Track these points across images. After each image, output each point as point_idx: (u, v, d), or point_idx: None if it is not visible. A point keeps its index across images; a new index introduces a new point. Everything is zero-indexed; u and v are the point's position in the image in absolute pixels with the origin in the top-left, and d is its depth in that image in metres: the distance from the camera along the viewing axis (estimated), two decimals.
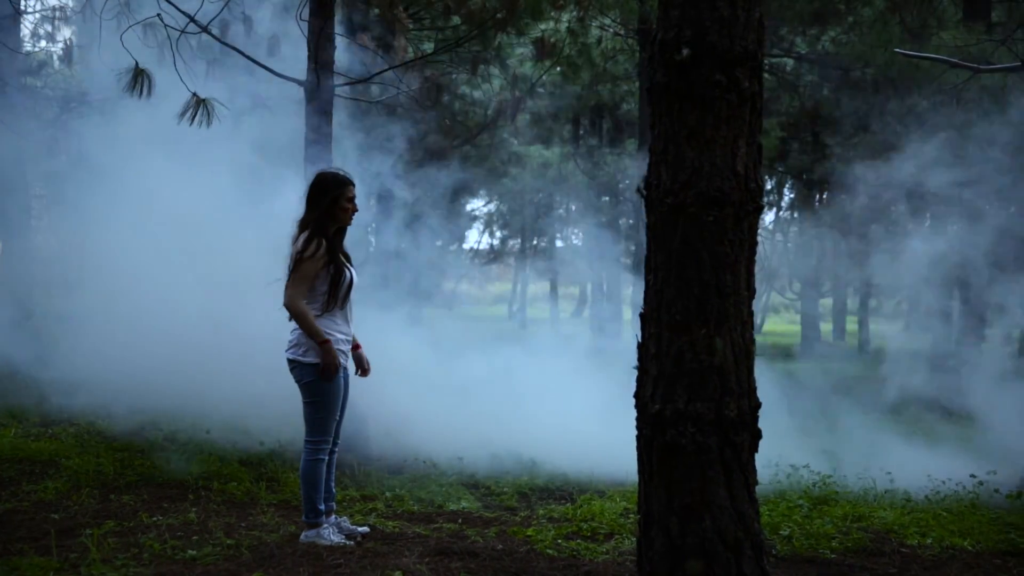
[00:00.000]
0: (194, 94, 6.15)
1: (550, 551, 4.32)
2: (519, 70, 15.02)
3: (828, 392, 9.44)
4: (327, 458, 4.40)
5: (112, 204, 7.85)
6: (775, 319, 34.59)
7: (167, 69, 6.11)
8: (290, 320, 4.38)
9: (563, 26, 14.57)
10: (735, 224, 3.16)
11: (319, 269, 4.25)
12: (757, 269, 3.31)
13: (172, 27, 6.05)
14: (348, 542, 4.33)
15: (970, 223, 8.40)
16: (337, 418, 4.43)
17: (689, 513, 3.14)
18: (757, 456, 3.26)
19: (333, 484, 4.54)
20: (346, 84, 7.73)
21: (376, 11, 11.02)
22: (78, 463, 5.97)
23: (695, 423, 3.12)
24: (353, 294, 4.44)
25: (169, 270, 7.45)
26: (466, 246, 32.58)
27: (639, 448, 3.30)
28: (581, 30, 15.32)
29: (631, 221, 19.16)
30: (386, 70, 9.72)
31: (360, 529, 4.54)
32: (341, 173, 4.47)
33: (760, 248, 3.31)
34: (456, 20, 11.35)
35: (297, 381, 4.35)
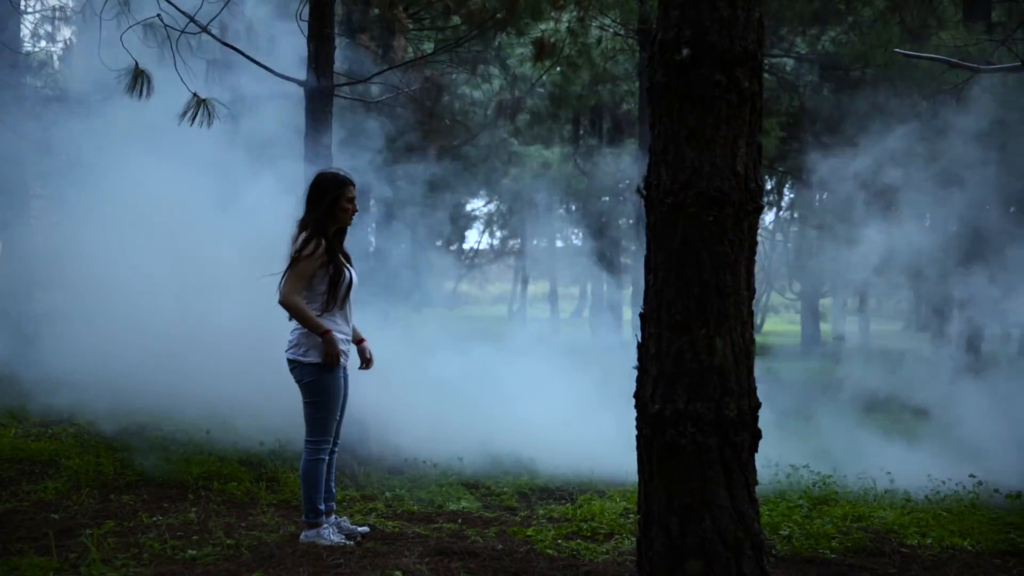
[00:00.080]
0: (195, 94, 6.15)
1: (550, 551, 4.32)
2: (519, 70, 15.02)
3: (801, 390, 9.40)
4: (327, 458, 4.40)
5: (109, 204, 7.85)
6: (775, 319, 34.61)
7: (157, 67, 6.12)
8: (290, 320, 4.38)
9: (563, 26, 14.57)
10: (735, 224, 3.16)
11: (317, 268, 4.25)
12: (757, 269, 3.31)
13: (172, 27, 6.05)
14: (348, 542, 4.33)
15: (965, 220, 8.40)
16: (337, 418, 4.43)
17: (689, 513, 3.14)
18: (757, 456, 3.26)
19: (333, 484, 4.54)
20: (346, 84, 7.73)
21: (376, 11, 11.02)
22: (78, 463, 5.97)
23: (695, 423, 3.12)
24: (353, 294, 4.45)
25: (165, 269, 7.45)
26: (466, 246, 32.62)
27: (639, 448, 3.30)
28: (581, 30, 15.32)
29: (631, 221, 19.15)
30: (386, 70, 9.72)
31: (360, 529, 4.54)
32: (341, 173, 4.47)
33: (760, 248, 3.31)
34: (456, 20, 11.35)
35: (297, 381, 4.35)
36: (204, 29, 6.29)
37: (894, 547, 4.58)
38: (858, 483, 5.89)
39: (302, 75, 6.92)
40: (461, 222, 27.61)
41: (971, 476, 5.80)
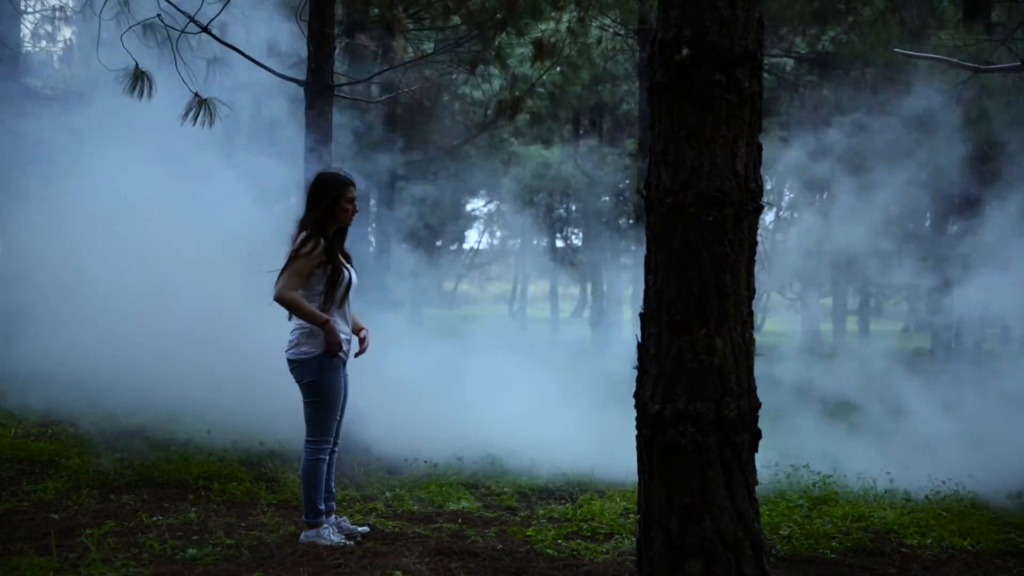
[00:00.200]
0: (196, 94, 6.16)
1: (550, 551, 4.32)
2: (519, 70, 15.01)
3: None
4: (327, 458, 4.40)
5: (107, 203, 7.85)
6: (775, 319, 34.59)
7: (155, 67, 6.12)
8: (289, 319, 4.38)
9: (563, 26, 14.56)
10: (735, 224, 3.16)
11: (315, 268, 4.25)
12: (758, 269, 3.31)
13: (172, 27, 6.05)
14: (348, 542, 4.33)
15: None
16: (337, 418, 4.43)
17: (689, 513, 3.14)
18: (756, 456, 3.26)
19: (333, 484, 4.54)
20: (346, 84, 7.74)
21: (376, 11, 11.02)
22: (78, 463, 5.97)
23: (695, 423, 3.12)
24: (353, 293, 4.45)
25: (162, 267, 7.46)
26: (466, 246, 32.63)
27: (639, 448, 3.30)
28: (581, 30, 15.31)
29: (631, 221, 19.16)
30: (386, 70, 9.72)
31: (360, 529, 4.54)
32: (342, 173, 4.47)
33: (760, 248, 3.31)
34: (456, 20, 11.34)
35: (298, 381, 4.35)
36: (204, 29, 6.29)
37: (894, 547, 4.58)
38: (858, 483, 5.89)
39: (302, 75, 6.92)
40: (461, 222, 27.62)
41: (970, 476, 5.80)
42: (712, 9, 3.12)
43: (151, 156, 7.85)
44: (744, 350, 3.20)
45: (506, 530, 4.72)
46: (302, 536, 4.36)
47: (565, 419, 7.43)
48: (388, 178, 13.68)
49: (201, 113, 6.19)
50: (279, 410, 6.00)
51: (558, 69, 16.33)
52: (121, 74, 6.16)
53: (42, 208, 8.07)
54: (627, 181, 20.95)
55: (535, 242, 28.94)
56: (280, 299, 4.24)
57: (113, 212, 7.77)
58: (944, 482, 5.83)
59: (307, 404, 4.34)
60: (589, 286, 28.09)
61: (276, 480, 5.78)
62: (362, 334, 4.56)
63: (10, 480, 5.64)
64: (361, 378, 4.73)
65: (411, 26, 12.42)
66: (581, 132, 22.96)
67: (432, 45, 12.94)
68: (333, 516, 4.50)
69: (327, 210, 4.32)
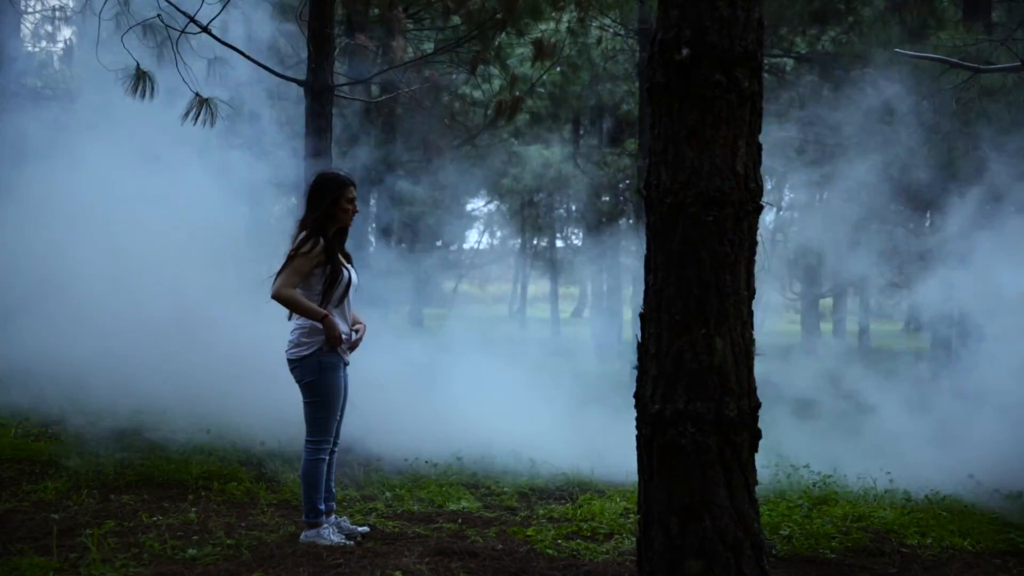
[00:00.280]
0: (196, 94, 6.16)
1: (550, 551, 4.32)
2: (519, 70, 15.02)
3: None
4: (327, 458, 4.40)
5: (102, 201, 7.85)
6: (775, 319, 34.58)
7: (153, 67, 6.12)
8: (289, 319, 4.39)
9: (563, 26, 14.56)
10: (735, 224, 3.16)
11: (313, 267, 4.25)
12: (758, 269, 3.31)
13: (172, 27, 6.06)
14: (348, 542, 4.33)
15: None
16: (337, 418, 4.43)
17: (689, 513, 3.14)
18: (756, 456, 3.26)
19: (333, 484, 4.54)
20: (346, 84, 7.74)
21: (376, 11, 11.03)
22: (78, 463, 5.97)
23: (695, 423, 3.12)
24: (352, 293, 4.45)
25: (161, 267, 7.46)
26: (466, 246, 32.63)
27: (639, 448, 3.30)
28: (581, 30, 15.31)
29: (631, 221, 19.16)
30: (386, 70, 9.73)
31: (360, 529, 4.54)
32: (342, 174, 4.48)
33: (760, 248, 3.31)
34: (456, 20, 11.35)
35: (298, 381, 4.35)
36: (204, 29, 6.30)
37: (894, 547, 4.58)
38: (858, 483, 5.89)
39: (302, 75, 6.93)
40: (461, 222, 27.61)
41: (970, 476, 5.80)
42: (712, 9, 3.12)
43: (141, 153, 7.85)
44: (744, 350, 3.20)
45: (506, 530, 4.72)
46: (302, 536, 4.36)
47: (565, 419, 7.43)
48: (387, 178, 13.68)
49: (202, 112, 6.19)
50: (279, 410, 6.00)
51: (558, 69, 16.32)
52: (121, 74, 6.16)
53: (32, 205, 8.02)
54: (627, 181, 20.95)
55: (535, 242, 28.93)
56: (278, 296, 4.24)
57: (105, 209, 7.76)
58: (943, 482, 5.81)
59: (307, 404, 4.34)
60: (589, 286, 28.10)
61: (276, 480, 5.78)
62: (356, 326, 4.54)
63: (10, 480, 5.64)
64: (360, 377, 4.73)
65: (411, 26, 12.43)
66: (581, 132, 22.96)
67: (432, 45, 12.94)
68: (333, 516, 4.50)
69: (327, 210, 4.32)
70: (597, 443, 6.64)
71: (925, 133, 9.32)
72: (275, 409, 6.22)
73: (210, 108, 6.24)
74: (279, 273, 4.28)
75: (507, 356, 9.14)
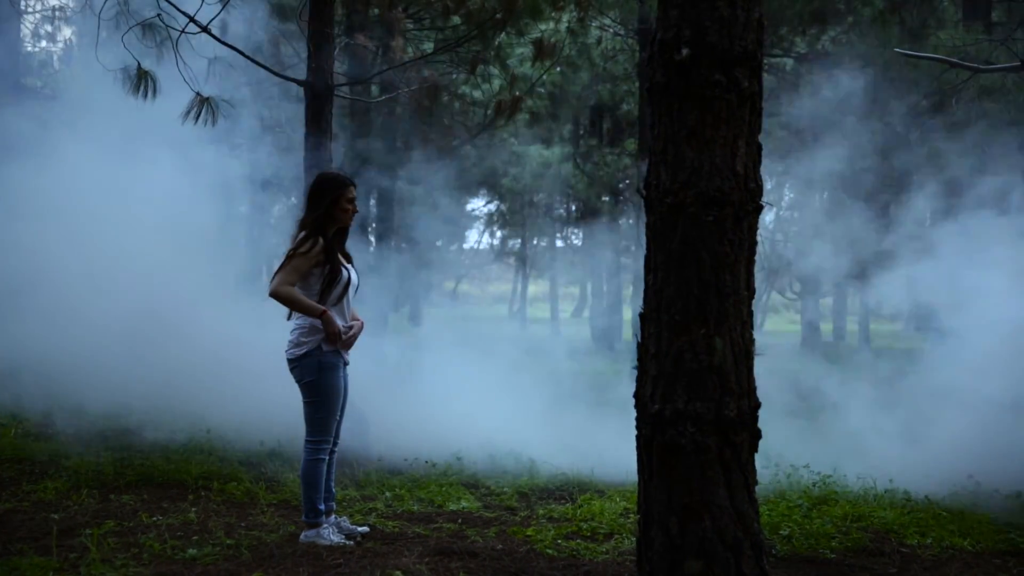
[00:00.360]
0: (197, 93, 6.16)
1: (550, 551, 4.32)
2: (519, 70, 15.02)
3: None
4: (327, 458, 4.40)
5: (99, 199, 7.83)
6: (775, 319, 34.61)
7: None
8: (288, 319, 4.39)
9: (563, 26, 14.56)
10: (735, 224, 3.16)
11: (312, 267, 4.26)
12: (757, 269, 3.31)
13: (172, 27, 6.05)
14: (348, 542, 4.33)
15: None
16: (337, 418, 4.43)
17: (689, 513, 3.14)
18: (756, 456, 3.26)
19: (333, 484, 4.54)
20: (346, 84, 7.74)
21: (376, 11, 11.03)
22: (78, 463, 5.97)
23: (695, 423, 3.12)
24: (352, 293, 4.45)
25: (161, 268, 7.46)
26: (466, 246, 32.64)
27: (639, 448, 3.30)
28: (581, 30, 15.31)
29: (631, 221, 19.16)
30: (386, 70, 9.72)
31: (360, 529, 4.54)
32: (342, 174, 4.50)
33: (760, 248, 3.31)
34: (456, 20, 11.35)
35: (297, 381, 4.35)
36: (204, 29, 6.29)
37: (894, 547, 4.58)
38: (858, 483, 5.89)
39: (302, 75, 6.93)
40: (461, 222, 27.62)
41: (969, 476, 5.79)
42: (712, 9, 3.12)
43: (128, 149, 7.83)
44: (744, 350, 3.20)
45: (506, 530, 4.72)
46: (302, 536, 4.36)
47: (565, 419, 7.43)
48: (387, 178, 13.68)
49: (203, 112, 6.19)
50: (279, 410, 6.00)
51: (558, 69, 16.32)
52: (120, 74, 6.16)
53: (17, 202, 7.98)
54: (627, 181, 20.95)
55: (535, 242, 28.93)
56: (275, 294, 4.24)
57: (96, 209, 7.75)
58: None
59: (307, 404, 4.34)
60: (589, 286, 28.11)
61: (276, 480, 5.78)
62: (353, 322, 4.52)
63: (10, 480, 5.64)
64: (361, 378, 4.73)
65: (411, 26, 12.43)
66: (581, 132, 22.96)
67: (432, 45, 12.94)
68: (333, 516, 4.50)
69: (327, 210, 4.33)
70: (597, 443, 6.64)
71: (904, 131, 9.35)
72: (274, 409, 6.22)
73: (211, 107, 6.24)
74: (277, 272, 4.29)
75: (507, 356, 9.14)
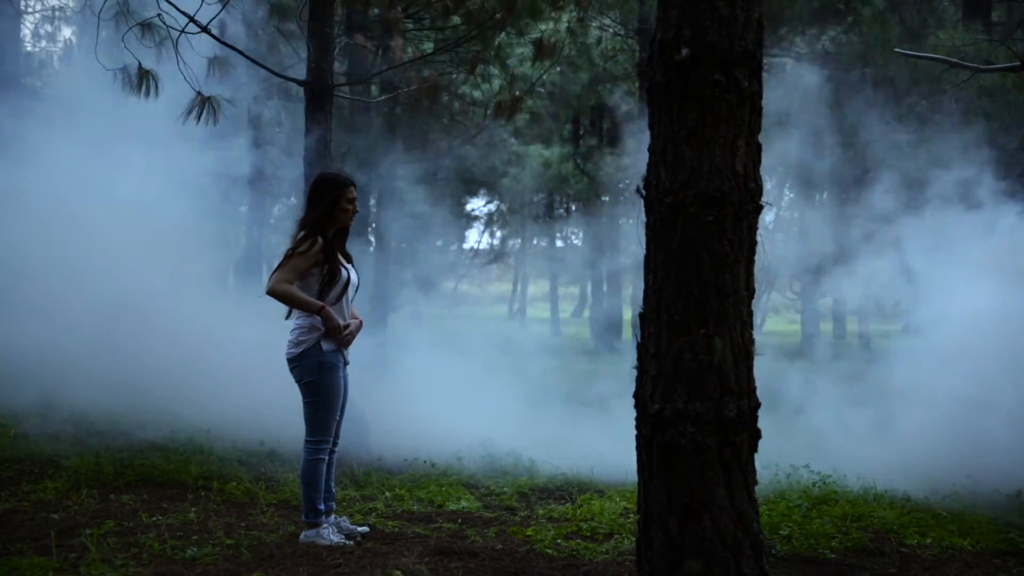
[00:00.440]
0: (198, 92, 6.16)
1: (550, 551, 4.32)
2: (519, 70, 15.02)
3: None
4: (327, 458, 4.40)
5: (97, 200, 7.83)
6: (775, 319, 34.59)
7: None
8: (287, 317, 4.39)
9: (563, 26, 14.56)
10: (735, 224, 3.15)
11: (310, 266, 4.26)
12: (757, 269, 3.31)
13: (172, 27, 6.05)
14: (348, 542, 4.33)
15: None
16: (337, 418, 4.43)
17: (688, 513, 3.14)
18: (756, 456, 3.26)
19: (333, 484, 4.54)
20: (346, 84, 7.74)
21: (375, 11, 11.02)
22: (78, 463, 5.97)
23: (694, 423, 3.12)
24: (352, 293, 4.45)
25: (163, 268, 7.46)
26: (466, 246, 32.63)
27: (638, 448, 3.30)
28: (581, 30, 15.32)
29: (631, 221, 19.15)
30: (385, 70, 9.72)
31: (360, 529, 4.54)
32: (342, 174, 4.50)
33: (760, 248, 3.31)
34: (456, 20, 11.35)
35: (297, 381, 4.35)
36: (204, 29, 6.29)
37: (894, 547, 4.58)
38: (857, 483, 5.89)
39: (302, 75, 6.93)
40: (461, 222, 27.61)
41: (968, 476, 5.79)
42: (712, 9, 3.12)
43: (117, 149, 7.83)
44: (743, 350, 3.20)
45: (506, 530, 4.72)
46: (302, 536, 4.36)
47: (565, 419, 7.43)
48: (387, 178, 13.68)
49: (204, 111, 6.19)
50: (279, 410, 6.00)
51: (558, 69, 16.32)
52: (120, 73, 6.15)
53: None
54: (627, 181, 20.95)
55: (535, 242, 28.92)
56: (273, 292, 4.24)
57: (84, 208, 7.75)
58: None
59: (307, 404, 4.34)
60: (589, 286, 28.09)
61: (276, 480, 5.78)
62: (351, 320, 4.50)
63: (10, 480, 5.64)
64: (361, 378, 4.73)
65: (410, 26, 12.42)
66: (581, 132, 22.96)
67: (432, 45, 12.94)
68: (333, 516, 4.50)
69: (327, 210, 4.33)
70: (596, 443, 6.64)
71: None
72: (274, 409, 6.22)
73: (212, 106, 6.24)
74: (275, 270, 4.29)
75: (508, 357, 9.14)
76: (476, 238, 33.82)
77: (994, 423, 5.98)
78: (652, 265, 3.25)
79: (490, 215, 29.24)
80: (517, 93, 10.98)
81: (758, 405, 3.25)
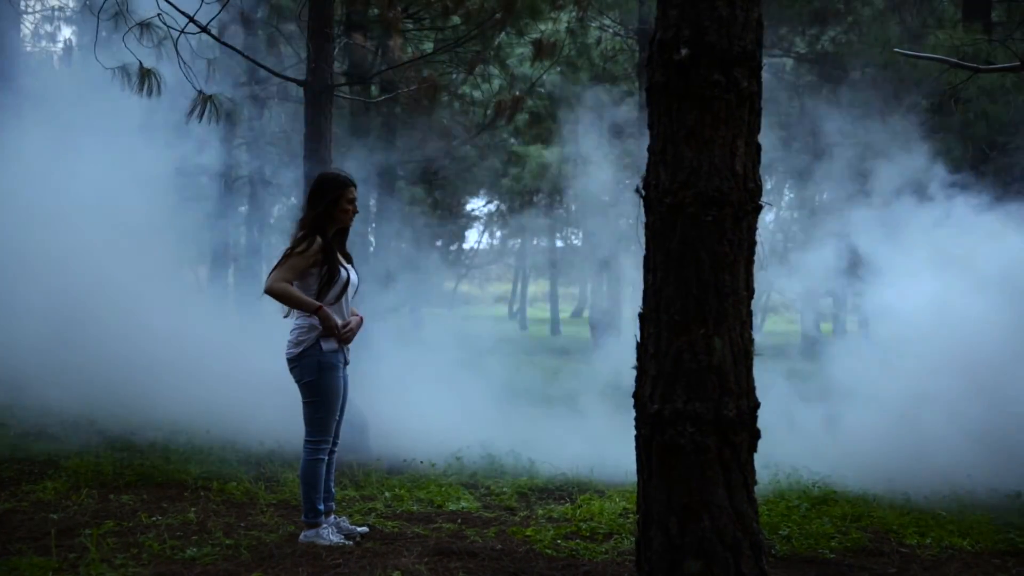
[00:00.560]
0: (200, 92, 6.17)
1: (549, 551, 4.32)
2: (519, 70, 15.03)
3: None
4: (327, 458, 4.40)
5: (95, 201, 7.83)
6: (775, 318, 34.59)
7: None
8: (285, 317, 4.39)
9: (562, 26, 14.56)
10: (734, 224, 3.15)
11: (309, 266, 4.26)
12: (756, 269, 3.30)
13: (172, 27, 6.05)
14: (347, 542, 4.33)
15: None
16: (337, 418, 4.43)
17: (688, 513, 3.14)
18: (755, 456, 3.26)
19: (332, 484, 4.54)
20: (345, 84, 7.73)
21: (375, 11, 11.02)
22: (77, 463, 5.97)
23: (694, 423, 3.12)
24: (352, 292, 4.44)
25: (163, 269, 7.46)
26: (466, 246, 32.63)
27: (638, 448, 3.30)
28: (581, 30, 15.31)
29: (630, 221, 19.15)
30: (385, 70, 9.72)
31: (359, 529, 4.54)
32: (343, 174, 4.48)
33: (760, 248, 3.31)
34: (455, 20, 11.36)
35: (297, 381, 4.35)
36: (204, 29, 6.29)
37: (893, 547, 4.58)
38: (857, 483, 5.89)
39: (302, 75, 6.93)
40: (461, 222, 27.62)
41: (968, 476, 5.80)
42: (711, 9, 3.12)
43: (109, 150, 7.83)
44: (743, 350, 3.20)
45: (505, 530, 4.72)
46: (301, 536, 4.36)
47: (564, 419, 7.43)
48: (387, 178, 13.69)
49: (207, 110, 6.20)
50: (278, 410, 6.01)
51: (558, 69, 16.32)
52: (119, 72, 6.16)
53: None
54: (627, 181, 20.94)
55: (535, 242, 28.91)
56: (270, 291, 4.24)
57: (71, 208, 7.75)
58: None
59: (306, 404, 4.34)
60: (589, 286, 28.10)
61: (276, 480, 5.78)
62: (351, 318, 4.50)
63: (10, 480, 5.64)
64: (360, 378, 4.73)
65: (410, 26, 12.42)
66: (581, 132, 22.94)
67: (431, 45, 12.94)
68: (332, 516, 4.49)
69: (327, 210, 4.33)
70: (596, 443, 6.64)
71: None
72: (274, 409, 6.22)
73: (214, 105, 6.24)
74: (273, 269, 4.29)
75: (508, 357, 9.14)
76: (476, 238, 33.84)
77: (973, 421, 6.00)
78: (651, 265, 3.25)
79: (490, 215, 29.23)
80: (517, 93, 10.99)
81: (758, 405, 3.25)
